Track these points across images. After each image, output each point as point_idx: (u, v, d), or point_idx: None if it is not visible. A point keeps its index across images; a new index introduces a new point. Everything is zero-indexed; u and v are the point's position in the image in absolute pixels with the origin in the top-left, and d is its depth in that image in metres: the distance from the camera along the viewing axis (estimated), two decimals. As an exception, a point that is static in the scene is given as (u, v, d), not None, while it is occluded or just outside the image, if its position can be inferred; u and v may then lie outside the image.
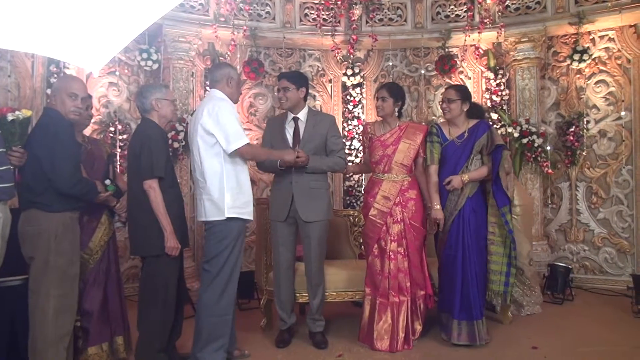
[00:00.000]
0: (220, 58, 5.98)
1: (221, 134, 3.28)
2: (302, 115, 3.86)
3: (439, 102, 3.90)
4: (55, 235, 2.88)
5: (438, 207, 3.83)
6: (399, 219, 3.85)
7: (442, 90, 6.28)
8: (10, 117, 2.85)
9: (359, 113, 6.30)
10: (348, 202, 6.31)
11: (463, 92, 3.95)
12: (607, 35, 5.70)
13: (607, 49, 5.71)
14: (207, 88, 5.92)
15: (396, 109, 3.98)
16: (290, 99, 3.80)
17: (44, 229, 2.88)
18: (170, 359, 3.44)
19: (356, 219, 4.99)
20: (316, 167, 3.76)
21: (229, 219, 3.30)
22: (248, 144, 3.33)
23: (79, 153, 3.13)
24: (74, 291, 3.00)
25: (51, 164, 2.86)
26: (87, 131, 3.94)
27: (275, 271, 3.94)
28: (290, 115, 3.87)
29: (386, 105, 3.92)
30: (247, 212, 3.40)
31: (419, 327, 3.87)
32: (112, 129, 5.39)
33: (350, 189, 6.32)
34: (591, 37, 5.75)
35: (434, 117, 6.37)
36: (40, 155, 2.87)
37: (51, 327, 2.86)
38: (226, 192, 3.31)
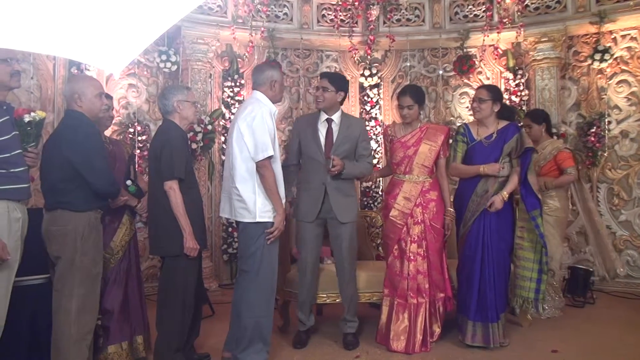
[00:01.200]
0: (238, 59, 6.01)
1: (251, 141, 3.27)
2: (337, 117, 3.86)
3: (470, 101, 3.87)
4: (82, 234, 2.92)
5: (481, 168, 3.78)
6: (419, 220, 3.83)
7: (460, 91, 6.28)
8: (27, 118, 2.87)
9: (376, 114, 6.29)
10: (365, 203, 6.30)
11: (495, 92, 3.91)
12: (629, 34, 5.62)
13: (629, 48, 5.63)
14: (225, 89, 5.97)
15: (420, 113, 3.98)
16: (326, 100, 3.80)
17: (71, 228, 2.91)
18: (188, 358, 3.46)
19: (374, 220, 4.98)
20: (350, 174, 3.79)
21: (259, 222, 3.30)
22: (271, 157, 3.27)
23: (106, 152, 3.21)
24: (96, 290, 3.03)
25: (89, 165, 2.89)
26: (107, 132, 3.98)
27: (301, 273, 3.91)
28: (324, 116, 3.86)
29: (412, 112, 3.89)
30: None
31: (437, 330, 3.84)
32: (131, 130, 5.44)
33: (367, 189, 6.31)
34: (613, 37, 5.66)
35: (452, 118, 6.34)
36: (74, 158, 2.89)
37: (74, 326, 2.89)
38: (257, 196, 3.31)
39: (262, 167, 3.26)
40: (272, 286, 3.39)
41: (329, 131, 3.83)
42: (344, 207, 3.77)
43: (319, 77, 3.91)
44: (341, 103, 3.90)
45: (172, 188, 3.19)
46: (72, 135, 2.94)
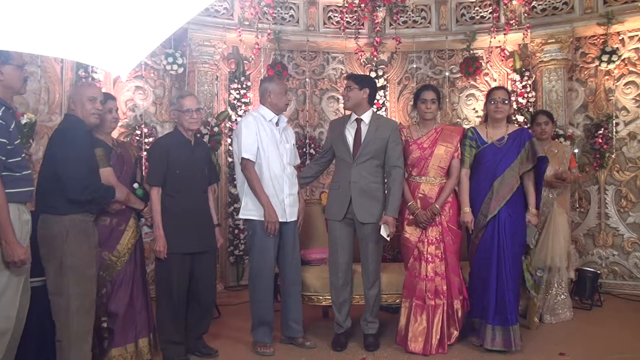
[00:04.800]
0: (245, 62, 6.03)
1: (235, 143, 3.83)
2: (366, 117, 3.88)
3: (491, 102, 3.86)
4: (66, 237, 2.92)
5: (468, 210, 3.82)
6: (437, 222, 3.81)
7: (467, 92, 6.27)
8: (23, 120, 2.93)
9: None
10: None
11: (510, 93, 4.02)
12: (636, 35, 5.59)
13: (637, 49, 5.60)
14: (231, 91, 6.00)
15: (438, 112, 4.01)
16: (352, 98, 3.85)
17: (56, 232, 2.93)
18: (195, 350, 3.70)
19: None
20: (398, 206, 3.79)
21: (246, 219, 3.83)
22: (247, 160, 3.69)
23: (94, 158, 3.13)
24: (92, 291, 3.03)
25: (65, 167, 2.91)
26: (114, 134, 3.99)
27: (332, 273, 3.91)
28: (354, 117, 3.90)
29: (435, 107, 3.90)
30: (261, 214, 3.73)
31: (455, 332, 3.82)
32: (138, 132, 5.46)
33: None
34: (620, 38, 5.64)
35: (458, 120, 6.32)
36: (56, 159, 2.94)
37: (74, 326, 2.91)
38: (244, 194, 3.82)
39: (243, 168, 3.74)
40: (260, 278, 3.75)
41: (358, 131, 3.86)
42: (366, 208, 3.78)
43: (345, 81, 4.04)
44: (370, 102, 3.93)
45: (152, 192, 3.51)
46: (59, 135, 3.01)
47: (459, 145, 3.89)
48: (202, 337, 3.77)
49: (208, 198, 3.81)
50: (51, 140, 3.05)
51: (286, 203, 3.80)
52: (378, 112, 5.65)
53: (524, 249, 3.87)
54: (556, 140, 4.90)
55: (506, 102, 3.87)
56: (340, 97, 6.36)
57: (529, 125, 5.74)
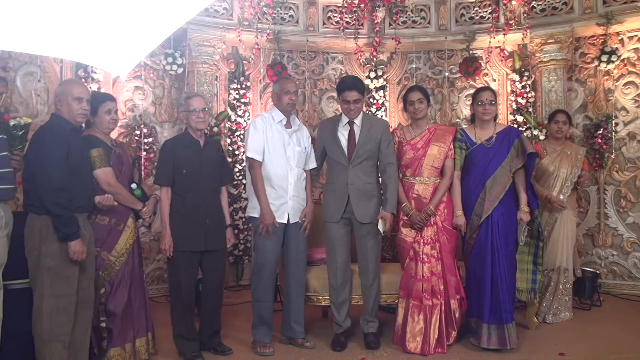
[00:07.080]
0: (244, 62, 6.02)
1: (245, 144, 3.87)
2: (358, 119, 3.89)
3: (478, 104, 3.91)
4: (43, 236, 2.91)
5: (460, 213, 3.85)
6: (432, 222, 3.83)
7: (466, 92, 6.25)
8: (12, 122, 3.00)
9: (382, 116, 6.27)
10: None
11: (496, 93, 4.02)
12: (636, 35, 5.58)
13: (636, 49, 5.59)
14: (231, 91, 5.99)
15: (428, 111, 4.01)
16: (359, 108, 3.88)
17: (34, 230, 2.94)
18: (209, 347, 3.75)
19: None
20: (395, 202, 3.83)
21: (250, 217, 3.87)
22: (252, 159, 3.73)
23: (65, 160, 2.97)
24: (70, 291, 2.99)
25: (38, 167, 2.90)
26: (114, 134, 4.00)
27: (331, 274, 3.92)
28: (345, 119, 3.90)
29: (424, 106, 3.91)
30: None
31: (453, 333, 3.82)
32: (137, 132, 5.46)
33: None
34: (620, 38, 5.63)
35: (457, 120, 6.32)
36: (30, 158, 2.96)
37: (45, 326, 2.90)
38: (251, 194, 3.83)
39: (249, 167, 3.80)
40: (261, 278, 3.77)
41: (352, 133, 3.87)
42: (365, 208, 3.80)
43: (340, 89, 3.89)
44: None
45: (161, 192, 3.62)
46: (37, 135, 3.01)
47: (451, 144, 3.90)
48: (218, 335, 3.81)
49: (220, 198, 3.81)
50: (30, 140, 3.06)
51: (290, 205, 3.80)
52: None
53: (517, 246, 3.88)
54: (568, 141, 4.90)
55: (493, 103, 3.91)
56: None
57: (528, 125, 5.77)
